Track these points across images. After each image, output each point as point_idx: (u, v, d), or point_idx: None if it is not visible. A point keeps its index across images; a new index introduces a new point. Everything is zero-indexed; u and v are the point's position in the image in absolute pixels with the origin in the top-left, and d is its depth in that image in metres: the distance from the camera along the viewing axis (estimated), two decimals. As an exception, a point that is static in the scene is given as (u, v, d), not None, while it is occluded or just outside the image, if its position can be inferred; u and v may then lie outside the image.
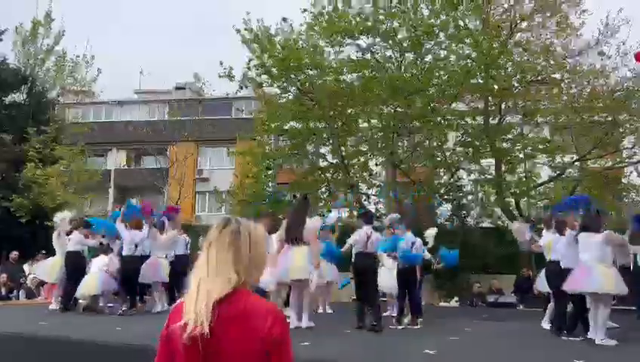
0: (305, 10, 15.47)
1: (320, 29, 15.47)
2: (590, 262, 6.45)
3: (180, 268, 9.12)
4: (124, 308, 9.05)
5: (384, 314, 9.31)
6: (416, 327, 7.80)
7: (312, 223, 7.49)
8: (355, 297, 7.91)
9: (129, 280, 9.19)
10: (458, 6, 14.95)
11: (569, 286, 6.57)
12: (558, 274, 7.01)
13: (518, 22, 15.72)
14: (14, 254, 14.31)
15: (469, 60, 15.19)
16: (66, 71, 22.10)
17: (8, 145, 19.14)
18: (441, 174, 17.17)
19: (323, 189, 16.91)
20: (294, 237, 7.32)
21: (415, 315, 7.96)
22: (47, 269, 10.08)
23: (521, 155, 16.07)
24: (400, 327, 7.69)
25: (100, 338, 6.26)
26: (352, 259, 7.64)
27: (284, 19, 15.51)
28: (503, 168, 16.17)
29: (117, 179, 30.24)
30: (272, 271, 7.76)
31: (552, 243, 7.49)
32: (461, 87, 15.23)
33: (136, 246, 9.14)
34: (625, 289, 6.49)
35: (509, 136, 16.19)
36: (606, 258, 6.53)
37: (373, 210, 17.05)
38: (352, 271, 7.76)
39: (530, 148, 15.74)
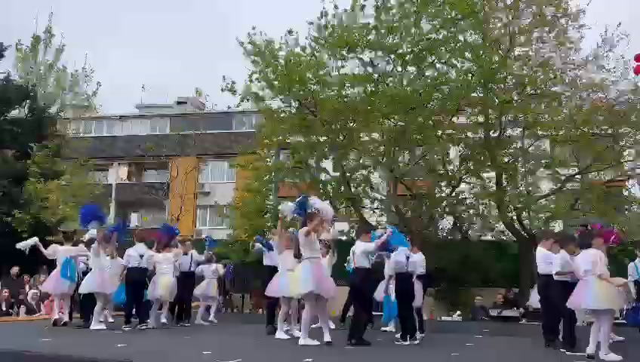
0: (311, 22, 15.58)
1: (325, 42, 15.56)
2: (588, 277, 6.47)
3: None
4: (126, 326, 9.05)
5: (386, 329, 9.28)
6: (416, 343, 7.72)
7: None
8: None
9: (136, 292, 9.27)
10: (459, 21, 15.05)
11: (570, 302, 6.60)
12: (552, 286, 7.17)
13: (517, 36, 15.83)
14: (15, 269, 14.27)
15: (469, 74, 15.27)
16: (67, 86, 22.21)
17: (10, 160, 19.19)
18: (443, 188, 17.19)
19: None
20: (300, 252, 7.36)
21: (406, 333, 7.86)
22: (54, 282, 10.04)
23: (523, 169, 16.11)
24: (406, 343, 7.63)
25: (101, 355, 6.22)
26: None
27: (290, 32, 15.60)
28: (504, 182, 16.19)
29: (118, 194, 30.27)
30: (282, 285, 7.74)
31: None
32: (462, 100, 15.31)
33: (141, 257, 9.27)
34: (621, 304, 6.50)
35: (510, 150, 16.23)
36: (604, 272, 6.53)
37: (374, 223, 17.08)
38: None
39: (532, 162, 15.79)
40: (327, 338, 7.17)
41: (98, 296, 9.27)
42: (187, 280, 10.30)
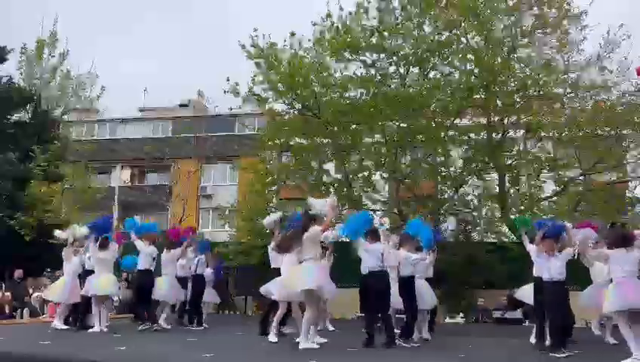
0: (315, 24, 15.58)
1: (328, 44, 15.56)
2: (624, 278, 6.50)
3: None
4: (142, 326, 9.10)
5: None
6: (415, 346, 7.67)
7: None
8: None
9: (145, 294, 9.32)
10: (461, 23, 15.06)
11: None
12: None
13: (520, 38, 15.81)
14: (18, 272, 14.30)
15: (471, 76, 15.26)
16: (70, 90, 22.28)
17: (13, 163, 19.24)
18: (446, 189, 17.18)
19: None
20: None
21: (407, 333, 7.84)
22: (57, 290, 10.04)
23: (526, 171, 16.08)
24: (408, 345, 7.61)
25: (101, 357, 6.22)
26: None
27: (293, 34, 15.61)
28: (507, 184, 16.16)
29: (121, 197, 30.27)
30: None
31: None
32: (464, 102, 15.30)
33: (153, 259, 9.33)
34: None
35: (513, 153, 16.21)
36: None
37: (378, 225, 17.01)
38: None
39: (535, 165, 15.76)
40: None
41: (95, 299, 9.31)
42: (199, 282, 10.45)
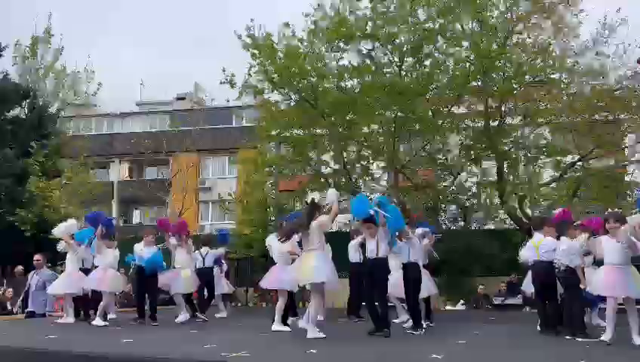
0: (307, 15, 15.51)
1: (321, 34, 15.50)
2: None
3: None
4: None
5: (394, 320, 9.26)
6: (417, 333, 7.69)
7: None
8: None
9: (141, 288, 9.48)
10: (455, 10, 14.98)
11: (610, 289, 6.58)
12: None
13: (515, 23, 15.75)
14: (19, 268, 14.31)
15: (468, 63, 15.22)
16: (66, 86, 22.19)
17: (11, 159, 19.22)
18: (445, 177, 17.20)
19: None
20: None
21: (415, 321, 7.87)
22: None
23: (523, 156, 16.10)
24: (415, 333, 7.64)
25: (102, 350, 6.24)
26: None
27: (287, 24, 15.54)
28: (505, 170, 16.18)
29: (119, 191, 30.35)
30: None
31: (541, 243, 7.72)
32: (461, 90, 15.28)
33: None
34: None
35: (511, 139, 16.22)
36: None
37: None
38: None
39: (534, 150, 15.78)
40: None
41: (103, 293, 9.36)
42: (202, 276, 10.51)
